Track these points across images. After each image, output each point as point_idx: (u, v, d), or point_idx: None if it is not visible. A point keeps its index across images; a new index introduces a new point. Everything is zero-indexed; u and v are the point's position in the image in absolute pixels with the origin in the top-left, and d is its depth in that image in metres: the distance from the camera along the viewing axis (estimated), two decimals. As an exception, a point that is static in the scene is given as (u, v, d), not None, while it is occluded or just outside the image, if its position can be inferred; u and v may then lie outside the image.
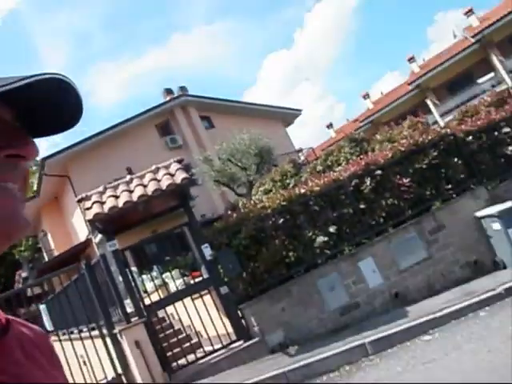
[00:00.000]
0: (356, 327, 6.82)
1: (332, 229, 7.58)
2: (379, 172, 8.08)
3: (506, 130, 8.92)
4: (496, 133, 8.89)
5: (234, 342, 6.98)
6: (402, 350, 5.69)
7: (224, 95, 63.65)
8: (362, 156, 9.28)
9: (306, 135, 78.53)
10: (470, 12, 30.46)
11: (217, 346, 6.98)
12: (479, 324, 5.74)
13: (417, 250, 7.77)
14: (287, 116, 25.50)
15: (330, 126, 41.93)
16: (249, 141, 14.38)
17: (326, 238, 7.49)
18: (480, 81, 25.99)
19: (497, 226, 7.66)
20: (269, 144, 14.85)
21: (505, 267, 7.61)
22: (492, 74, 26.98)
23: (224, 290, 7.03)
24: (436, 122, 25.18)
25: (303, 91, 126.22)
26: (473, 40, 27.76)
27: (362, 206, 7.89)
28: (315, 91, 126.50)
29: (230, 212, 9.74)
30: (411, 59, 34.15)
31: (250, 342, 6.82)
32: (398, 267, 7.60)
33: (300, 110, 26.19)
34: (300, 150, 24.09)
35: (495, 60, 27.62)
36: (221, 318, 7.09)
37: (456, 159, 8.49)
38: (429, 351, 5.34)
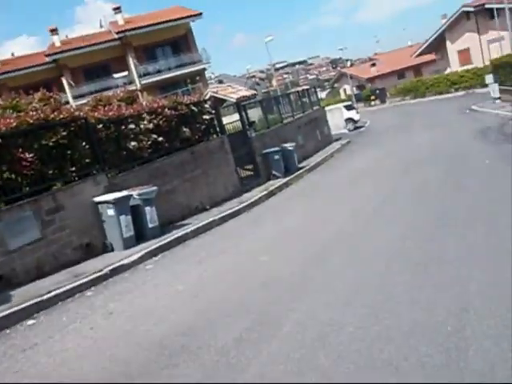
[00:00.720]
0: None
1: None
2: (-1, 141, 7.20)
3: (132, 126, 9.76)
4: (123, 127, 9.58)
5: None
6: (1, 339, 5.20)
7: None
8: (-21, 119, 8.01)
9: None
10: (118, 9, 31.92)
11: None
12: (85, 303, 5.97)
13: (30, 229, 7.34)
14: None
15: None
16: None
17: None
18: (116, 75, 27.52)
19: (111, 212, 8.24)
20: None
21: (113, 250, 8.27)
22: (126, 73, 29.09)
23: None
24: (68, 102, 24.85)
25: None
26: (116, 36, 29.19)
27: (-29, 176, 6.80)
28: None
29: None
30: (54, 31, 32.42)
31: None
32: (6, 247, 6.95)
33: None
34: None
35: (131, 62, 29.97)
36: None
37: (84, 143, 8.59)
38: (31, 336, 5.09)
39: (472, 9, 34.43)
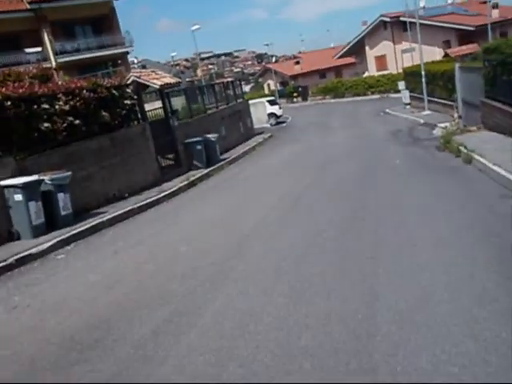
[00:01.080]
0: None
1: None
2: None
3: (46, 106, 9.10)
4: (36, 106, 8.89)
5: None
6: None
7: None
8: None
9: None
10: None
11: None
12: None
13: None
14: None
15: None
16: None
17: None
18: (28, 50, 25.44)
19: (19, 197, 7.66)
20: None
21: (19, 238, 7.69)
22: (40, 49, 27.02)
23: None
24: (-30, 77, 22.50)
25: None
26: (28, 6, 26.97)
27: None
28: None
29: None
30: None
31: None
32: None
33: None
34: None
35: (46, 37, 27.85)
36: None
37: (-11, 121, 7.88)
38: None
39: (389, 19, 36.70)
